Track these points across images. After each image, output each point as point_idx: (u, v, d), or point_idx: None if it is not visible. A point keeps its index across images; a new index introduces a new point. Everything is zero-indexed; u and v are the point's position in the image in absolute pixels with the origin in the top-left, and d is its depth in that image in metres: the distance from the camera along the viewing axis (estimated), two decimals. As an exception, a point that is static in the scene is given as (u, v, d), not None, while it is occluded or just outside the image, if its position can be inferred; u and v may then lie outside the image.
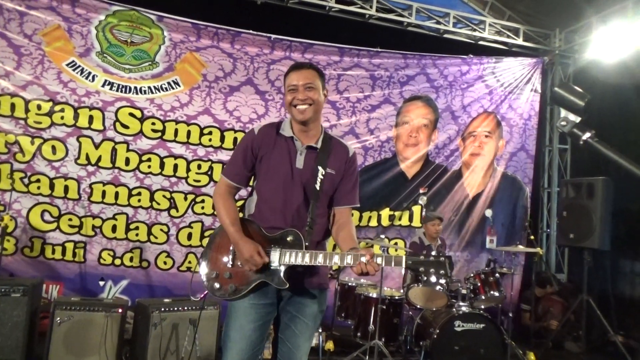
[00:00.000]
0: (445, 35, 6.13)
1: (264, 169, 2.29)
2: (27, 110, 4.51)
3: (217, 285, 2.19)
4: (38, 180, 4.56)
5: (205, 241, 4.92)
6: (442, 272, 2.06)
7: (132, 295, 4.67)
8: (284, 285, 2.11)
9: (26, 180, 4.52)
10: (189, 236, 4.97)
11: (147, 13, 4.83)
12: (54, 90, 4.58)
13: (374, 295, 4.00)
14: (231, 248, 2.21)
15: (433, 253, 2.24)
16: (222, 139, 5.04)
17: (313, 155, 2.27)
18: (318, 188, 2.23)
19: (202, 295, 2.84)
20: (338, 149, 2.34)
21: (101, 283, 4.70)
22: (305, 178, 2.24)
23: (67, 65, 4.63)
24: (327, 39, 5.52)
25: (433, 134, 5.78)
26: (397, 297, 4.14)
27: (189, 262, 4.94)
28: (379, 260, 2.05)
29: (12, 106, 4.48)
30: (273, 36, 5.23)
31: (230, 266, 2.20)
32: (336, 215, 2.34)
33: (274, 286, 2.15)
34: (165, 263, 4.89)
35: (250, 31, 5.16)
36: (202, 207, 4.99)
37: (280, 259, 2.13)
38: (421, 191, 5.63)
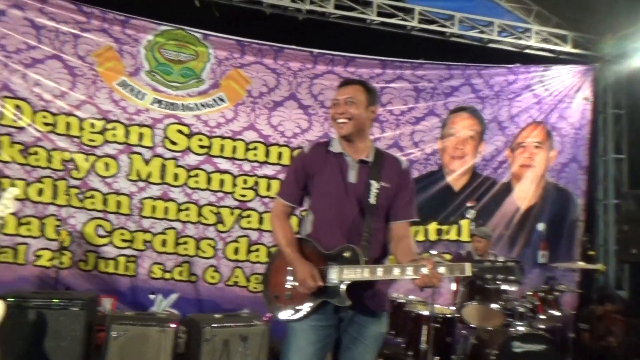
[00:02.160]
0: (490, 45, 6.00)
1: (317, 187, 2.27)
2: (81, 129, 4.68)
3: (278, 306, 2.18)
4: (92, 196, 4.71)
5: (252, 256, 5.03)
6: (512, 277, 1.98)
7: (182, 309, 4.72)
8: (346, 303, 2.07)
9: (81, 196, 4.68)
10: (236, 251, 5.00)
11: (193, 32, 4.95)
12: (106, 108, 4.73)
13: (425, 313, 3.90)
14: (289, 269, 2.19)
15: (500, 259, 2.14)
16: (267, 153, 5.08)
17: (365, 170, 2.24)
18: (373, 202, 2.19)
19: (267, 317, 2.83)
20: (391, 162, 2.30)
21: (151, 297, 4.78)
22: (359, 192, 2.21)
23: (118, 84, 4.78)
24: (369, 51, 5.50)
25: (480, 146, 5.64)
26: (449, 315, 4.02)
27: (236, 277, 4.97)
28: (441, 269, 1.99)
29: (68, 125, 4.65)
30: (315, 51, 5.25)
31: (289, 287, 2.18)
32: (393, 230, 2.29)
33: (334, 306, 2.11)
34: (212, 277, 4.94)
35: (293, 46, 5.21)
36: (249, 222, 5.02)
37: (339, 276, 2.09)
38: (469, 204, 5.49)
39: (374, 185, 2.20)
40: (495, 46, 6.01)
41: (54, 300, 3.47)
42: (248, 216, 5.03)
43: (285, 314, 2.15)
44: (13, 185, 4.48)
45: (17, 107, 4.56)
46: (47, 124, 4.61)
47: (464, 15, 5.79)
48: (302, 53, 5.22)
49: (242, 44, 5.06)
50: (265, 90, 5.11)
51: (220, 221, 4.97)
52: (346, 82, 2.36)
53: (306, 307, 2.12)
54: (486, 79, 5.69)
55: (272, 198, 5.06)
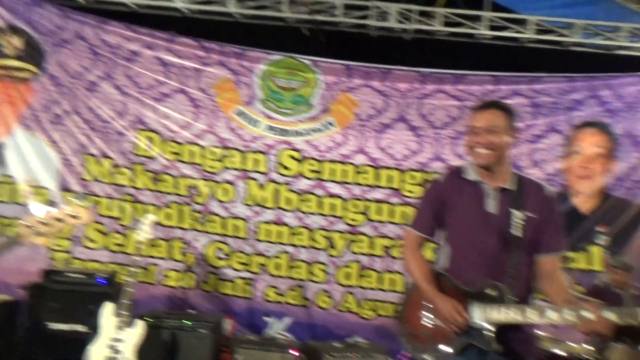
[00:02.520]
0: (617, 52, 5.45)
1: (454, 218, 2.15)
2: (203, 157, 4.98)
3: (416, 346, 2.07)
4: (213, 221, 4.96)
5: (363, 281, 4.96)
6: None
7: (295, 333, 4.78)
8: (494, 347, 1.92)
9: (203, 220, 4.95)
10: (347, 276, 4.97)
11: (302, 59, 5.09)
12: (225, 137, 4.99)
13: (562, 353, 3.54)
14: (427, 305, 2.08)
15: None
16: (377, 177, 5.02)
17: (506, 198, 2.07)
18: (517, 234, 2.02)
19: (405, 356, 2.75)
20: (534, 188, 2.12)
21: (266, 319, 4.90)
22: (500, 224, 2.05)
23: (235, 113, 5.03)
24: (479, 68, 5.27)
25: (611, 164, 5.10)
26: (587, 356, 3.61)
27: (348, 303, 4.93)
28: (609, 315, 1.76)
29: (191, 153, 4.98)
30: (423, 70, 5.13)
31: (428, 325, 2.07)
32: (542, 266, 2.10)
33: (478, 349, 1.96)
34: (324, 302, 4.94)
35: (400, 67, 5.14)
36: (360, 247, 4.98)
37: (483, 316, 1.95)
38: (600, 229, 4.96)
39: (517, 215, 2.03)
40: (624, 53, 5.45)
41: (184, 322, 3.67)
42: (359, 241, 4.99)
43: (426, 355, 2.04)
44: (146, 210, 4.88)
45: (149, 138, 4.98)
46: (173, 153, 4.98)
47: (586, 22, 5.33)
48: (410, 73, 5.13)
49: (350, 67, 5.10)
50: (373, 113, 5.08)
51: (331, 245, 4.98)
52: (483, 106, 2.21)
53: (449, 348, 2.00)
54: (616, 90, 5.16)
55: (382, 222, 4.99)
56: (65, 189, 4.97)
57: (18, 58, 5.10)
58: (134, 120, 5.00)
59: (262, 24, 5.20)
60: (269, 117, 5.03)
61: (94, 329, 3.72)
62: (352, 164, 5.02)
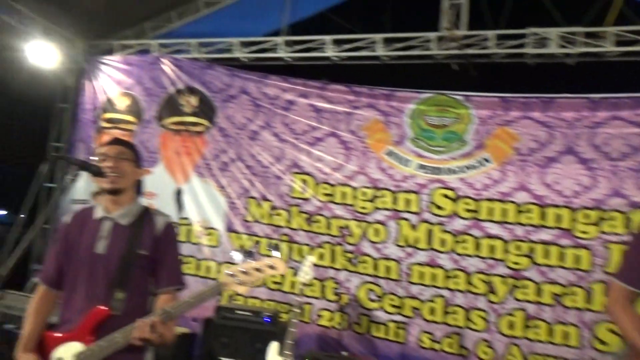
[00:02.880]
0: None
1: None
2: (354, 198, 5.05)
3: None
4: (364, 261, 4.96)
5: (530, 332, 4.45)
6: None
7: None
8: None
9: (355, 261, 4.98)
10: (511, 325, 4.52)
11: (453, 95, 4.93)
12: (376, 177, 5.02)
13: None
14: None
15: None
16: (543, 216, 4.54)
17: None
18: None
19: None
20: None
21: (421, 366, 4.66)
22: None
23: (386, 153, 5.04)
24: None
25: None
26: None
27: (512, 355, 4.46)
28: None
29: (343, 195, 5.09)
30: (593, 96, 4.60)
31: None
32: None
33: None
34: (485, 353, 4.54)
35: (566, 94, 4.67)
36: (524, 293, 4.50)
37: None
38: None
39: None
40: None
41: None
42: (524, 287, 4.52)
43: None
44: (301, 250, 5.08)
45: (304, 181, 5.23)
46: (326, 195, 5.14)
47: None
48: (577, 100, 4.63)
49: (506, 100, 4.79)
50: (535, 146, 4.66)
51: (491, 291, 4.60)
52: None
53: None
54: None
55: (550, 267, 4.48)
56: (231, 229, 5.44)
57: (194, 114, 5.83)
58: (290, 164, 5.32)
59: (410, 63, 5.21)
60: (420, 156, 4.93)
61: (259, 365, 3.92)
62: (512, 202, 4.63)
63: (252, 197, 5.41)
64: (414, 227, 4.85)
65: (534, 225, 4.55)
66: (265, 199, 5.36)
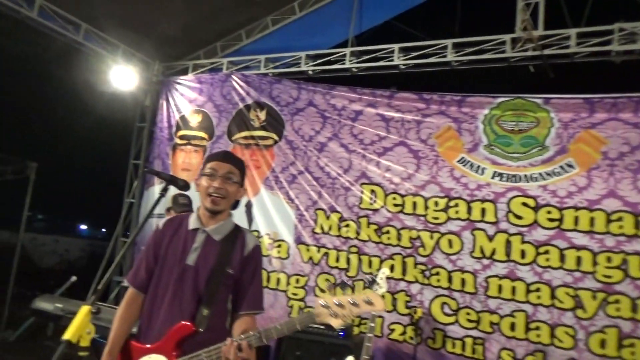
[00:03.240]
0: None
1: None
2: (426, 208, 4.90)
3: None
4: (437, 273, 4.78)
5: (625, 352, 4.06)
6: None
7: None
8: None
9: (427, 273, 4.81)
10: (602, 343, 4.15)
11: (532, 98, 4.69)
12: (448, 186, 4.85)
13: None
14: None
15: None
16: (637, 225, 4.17)
17: None
18: None
19: None
20: None
21: (502, 386, 4.38)
22: None
23: (458, 161, 4.86)
24: None
25: None
26: None
27: (606, 377, 4.08)
28: None
29: (414, 205, 4.95)
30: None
31: None
32: None
33: None
34: (575, 373, 4.19)
35: (659, 93, 4.30)
36: (617, 309, 4.13)
37: None
38: None
39: None
40: None
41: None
42: (616, 302, 4.15)
43: None
44: (371, 261, 4.99)
45: (372, 191, 5.15)
46: (396, 205, 5.03)
47: None
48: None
49: (591, 101, 4.48)
50: (626, 150, 4.31)
51: (579, 306, 4.26)
52: None
53: None
54: None
55: (648, 280, 4.08)
56: (300, 242, 5.45)
57: (263, 128, 5.96)
58: (358, 175, 5.27)
59: (483, 68, 5.03)
60: (496, 163, 4.71)
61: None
62: (602, 210, 4.29)
63: (321, 209, 5.41)
64: (490, 237, 4.62)
65: (627, 235, 4.18)
66: (334, 211, 5.33)
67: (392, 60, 5.34)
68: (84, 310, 1.51)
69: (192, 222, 2.12)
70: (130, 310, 2.09)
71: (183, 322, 1.94)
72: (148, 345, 1.97)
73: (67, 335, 1.46)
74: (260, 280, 2.16)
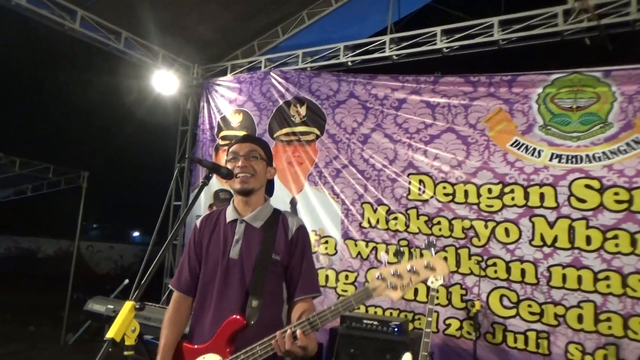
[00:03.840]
0: None
1: None
2: (479, 195, 4.65)
3: None
4: (494, 264, 4.53)
5: None
6: None
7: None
8: None
9: (483, 264, 4.56)
10: (686, 334, 3.80)
11: (590, 72, 4.35)
12: (502, 172, 4.58)
13: None
14: None
15: None
16: None
17: None
18: None
19: None
20: None
21: (573, 382, 4.09)
22: None
23: (511, 145, 4.59)
24: None
25: None
26: None
27: (691, 371, 3.72)
28: None
29: (466, 193, 4.72)
30: None
31: None
32: None
33: None
34: (654, 367, 3.85)
35: None
36: (702, 298, 3.77)
37: None
38: None
39: None
40: None
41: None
42: (699, 289, 3.78)
43: None
44: (422, 254, 4.79)
45: (421, 181, 4.95)
46: (446, 195, 4.81)
47: None
48: None
49: (657, 71, 4.12)
50: (702, 122, 3.93)
51: (656, 295, 3.91)
52: None
53: None
54: None
55: None
56: (348, 237, 5.32)
57: (303, 123, 5.87)
58: (405, 165, 5.08)
59: (533, 45, 4.73)
60: (553, 145, 4.41)
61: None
62: (676, 189, 3.93)
63: (367, 203, 5.26)
64: (551, 224, 4.33)
65: None
66: (381, 204, 5.17)
67: (434, 44, 5.12)
68: (127, 306, 1.43)
69: (229, 214, 2.04)
70: (178, 314, 2.03)
71: (233, 317, 1.85)
72: (200, 346, 1.89)
73: (111, 333, 1.38)
74: (311, 262, 2.04)
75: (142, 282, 1.49)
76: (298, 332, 1.68)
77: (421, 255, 4.82)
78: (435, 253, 4.74)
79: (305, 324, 1.70)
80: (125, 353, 1.43)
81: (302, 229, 2.04)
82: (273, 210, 2.06)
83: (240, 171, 1.95)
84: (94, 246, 22.09)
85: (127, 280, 5.47)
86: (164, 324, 1.99)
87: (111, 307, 3.97)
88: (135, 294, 1.47)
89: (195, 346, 1.90)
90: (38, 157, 7.79)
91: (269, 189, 2.11)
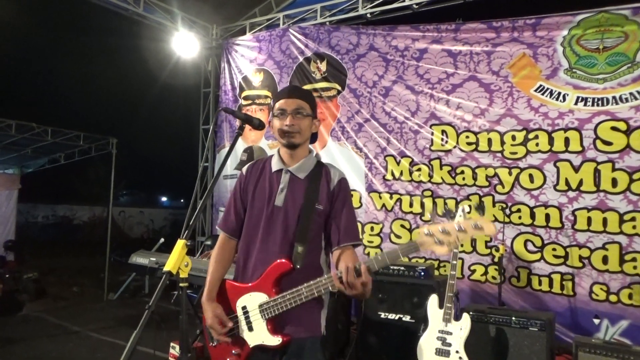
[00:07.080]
0: None
1: None
2: (502, 143, 4.66)
3: None
4: (519, 210, 4.58)
5: None
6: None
7: (634, 339, 3.94)
8: None
9: (507, 211, 4.62)
10: None
11: (617, 10, 4.22)
12: (526, 118, 4.56)
13: None
14: None
15: None
16: None
17: None
18: None
19: None
20: None
21: (596, 321, 4.20)
22: None
23: (535, 90, 4.54)
24: None
25: None
26: None
27: None
28: None
29: (489, 141, 4.72)
30: None
31: None
32: None
33: None
34: (678, 304, 3.92)
35: None
36: None
37: None
38: None
39: None
40: None
41: (513, 319, 3.42)
42: None
43: None
44: (446, 204, 4.87)
45: (443, 132, 4.97)
46: (469, 144, 4.83)
47: None
48: None
49: (690, 5, 3.97)
50: None
51: (683, 233, 3.93)
52: None
53: None
54: None
55: None
56: (372, 190, 5.42)
57: (324, 79, 5.89)
58: (427, 116, 5.09)
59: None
60: (579, 88, 4.34)
61: (419, 319, 3.86)
62: None
63: (390, 155, 5.32)
64: (576, 168, 4.33)
65: None
66: (404, 156, 5.22)
67: (455, -9, 5.01)
68: (180, 244, 1.59)
69: (275, 164, 2.13)
70: (224, 253, 2.16)
71: (280, 260, 1.96)
72: (246, 285, 2.02)
73: (168, 266, 1.54)
74: (352, 212, 2.12)
75: (190, 222, 1.63)
76: (363, 267, 1.76)
77: (445, 204, 4.91)
78: (460, 202, 4.84)
79: (368, 262, 1.78)
80: (181, 285, 1.59)
81: (343, 180, 2.13)
82: (317, 162, 2.15)
83: (287, 129, 2.03)
84: (126, 212, 22.90)
85: (162, 240, 5.74)
86: (211, 262, 2.14)
87: (154, 259, 4.22)
88: (185, 233, 1.62)
89: (242, 285, 2.04)
90: (68, 125, 8.03)
91: (312, 137, 2.19)
